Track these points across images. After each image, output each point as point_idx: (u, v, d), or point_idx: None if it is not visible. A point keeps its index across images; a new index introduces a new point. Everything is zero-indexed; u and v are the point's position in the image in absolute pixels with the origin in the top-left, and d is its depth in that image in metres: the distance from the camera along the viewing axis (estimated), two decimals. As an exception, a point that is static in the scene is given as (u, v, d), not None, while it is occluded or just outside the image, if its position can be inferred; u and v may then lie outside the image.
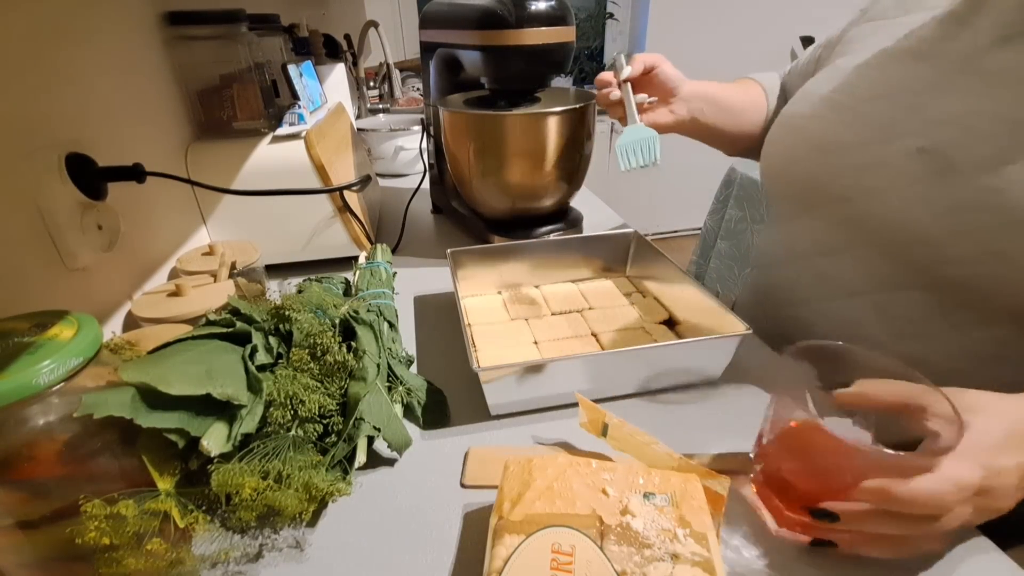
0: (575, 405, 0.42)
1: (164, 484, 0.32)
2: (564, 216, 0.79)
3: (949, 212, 0.42)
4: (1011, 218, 0.39)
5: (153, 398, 0.32)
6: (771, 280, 0.62)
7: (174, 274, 0.65)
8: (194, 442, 0.33)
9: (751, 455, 0.40)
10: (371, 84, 1.72)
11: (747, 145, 0.74)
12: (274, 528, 0.37)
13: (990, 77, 0.43)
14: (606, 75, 0.64)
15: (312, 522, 0.38)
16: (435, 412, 0.48)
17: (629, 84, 0.62)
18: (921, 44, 0.49)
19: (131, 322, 0.55)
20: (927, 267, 0.45)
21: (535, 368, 0.45)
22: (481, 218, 0.80)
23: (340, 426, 0.40)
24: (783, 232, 0.60)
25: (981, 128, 0.42)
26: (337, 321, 0.46)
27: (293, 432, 0.38)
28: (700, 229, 1.87)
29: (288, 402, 0.38)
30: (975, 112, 0.42)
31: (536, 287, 0.67)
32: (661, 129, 0.64)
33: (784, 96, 0.73)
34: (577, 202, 0.82)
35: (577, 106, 0.69)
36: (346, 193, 0.71)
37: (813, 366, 0.38)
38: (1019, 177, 0.39)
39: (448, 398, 0.49)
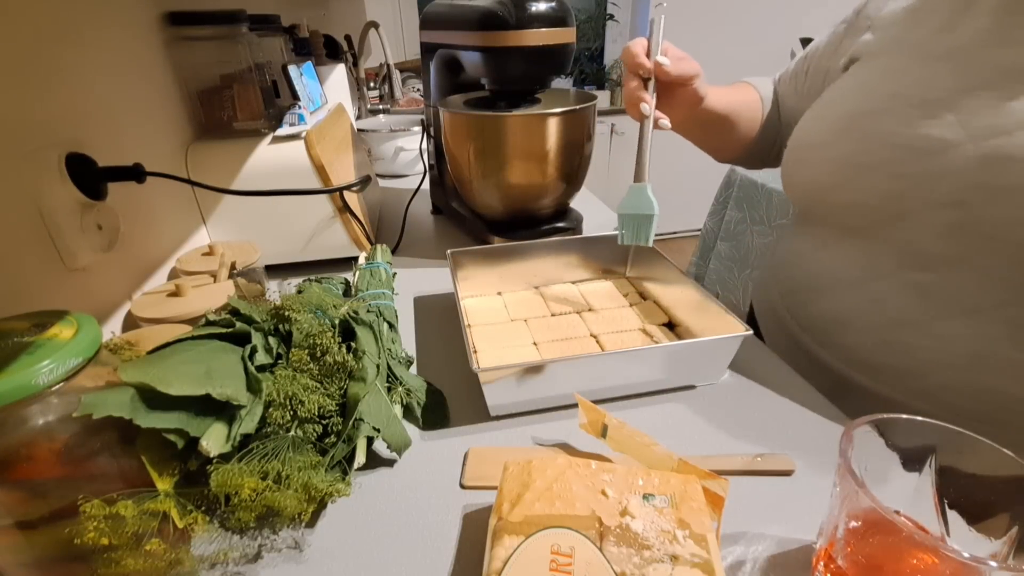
0: (575, 406, 0.42)
1: (163, 484, 0.32)
2: (564, 217, 0.79)
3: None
4: None
5: (152, 398, 0.32)
6: (817, 309, 0.57)
7: (174, 274, 0.65)
8: (193, 442, 0.33)
9: (816, 545, 0.34)
10: (371, 85, 1.72)
11: (735, 155, 0.74)
12: (273, 529, 0.37)
13: None
14: (638, 66, 0.56)
15: (311, 523, 0.38)
16: (435, 413, 0.48)
17: (651, 122, 0.55)
18: (934, 46, 0.47)
19: (131, 322, 0.55)
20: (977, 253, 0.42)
21: (535, 369, 0.45)
22: (481, 219, 0.80)
23: (339, 427, 0.40)
24: (801, 228, 0.58)
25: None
26: (337, 322, 0.46)
27: (292, 433, 0.38)
28: (700, 231, 1.87)
29: (287, 402, 0.38)
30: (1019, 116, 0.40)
31: (536, 288, 0.67)
32: (673, 103, 0.59)
33: (776, 104, 0.72)
34: (577, 203, 0.82)
35: (577, 107, 0.69)
36: (346, 193, 0.71)
37: (883, 441, 0.32)
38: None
39: (448, 399, 0.49)
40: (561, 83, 2.73)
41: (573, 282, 0.68)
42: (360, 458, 0.39)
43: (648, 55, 0.56)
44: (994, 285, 0.43)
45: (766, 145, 0.73)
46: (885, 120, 0.47)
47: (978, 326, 0.44)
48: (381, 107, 1.55)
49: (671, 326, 0.58)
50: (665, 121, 0.55)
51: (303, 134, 0.69)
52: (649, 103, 0.55)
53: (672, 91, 0.58)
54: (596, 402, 0.42)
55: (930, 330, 0.46)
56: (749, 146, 0.72)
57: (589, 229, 0.80)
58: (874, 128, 0.48)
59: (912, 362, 0.39)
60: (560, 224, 0.77)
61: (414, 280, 0.72)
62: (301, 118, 0.73)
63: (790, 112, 0.69)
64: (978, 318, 0.44)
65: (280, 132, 0.70)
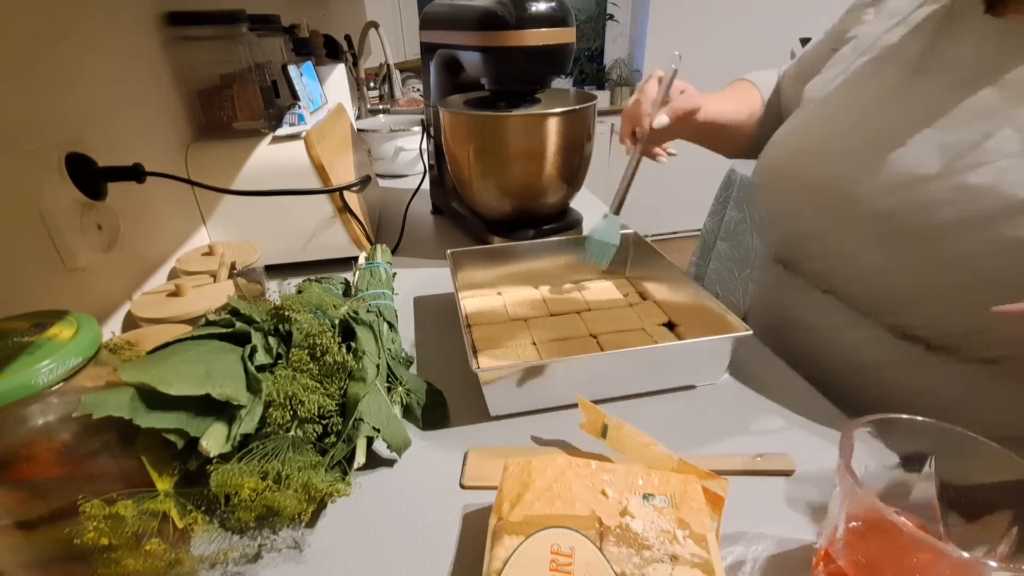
0: (575, 406, 0.42)
1: (163, 484, 0.32)
2: (564, 217, 0.79)
3: (905, 275, 0.43)
4: (963, 284, 0.40)
5: (152, 398, 0.32)
6: (774, 303, 0.61)
7: (174, 274, 0.65)
8: (193, 442, 0.33)
9: (816, 545, 0.34)
10: (371, 85, 1.72)
11: (737, 152, 0.74)
12: (273, 529, 0.37)
13: (945, 137, 0.41)
14: (649, 94, 0.59)
15: (311, 523, 0.38)
16: (434, 413, 0.48)
17: (637, 160, 0.60)
18: (876, 99, 0.48)
19: (130, 322, 0.55)
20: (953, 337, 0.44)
21: (535, 369, 0.45)
22: (481, 219, 0.80)
23: (339, 427, 0.40)
24: (776, 269, 0.60)
25: (932, 195, 0.41)
26: (337, 322, 0.46)
27: (292, 432, 0.38)
28: (700, 230, 1.87)
29: (287, 402, 0.38)
30: (928, 176, 0.41)
31: (536, 288, 0.67)
32: (660, 139, 0.62)
33: (779, 98, 0.72)
34: (577, 203, 0.82)
35: (577, 107, 0.69)
36: (346, 193, 0.71)
37: (882, 441, 0.32)
38: (971, 245, 0.39)
39: (447, 399, 0.49)
40: (561, 83, 2.73)
41: (573, 282, 0.68)
42: (360, 458, 0.39)
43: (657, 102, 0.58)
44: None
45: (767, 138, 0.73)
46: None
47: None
48: (381, 107, 1.55)
49: (671, 326, 0.58)
50: (663, 158, 0.60)
51: (303, 134, 0.69)
52: (636, 148, 0.59)
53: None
54: (596, 402, 0.42)
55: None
56: (750, 142, 0.72)
57: (589, 229, 0.80)
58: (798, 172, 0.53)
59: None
60: (560, 224, 0.77)
61: (414, 280, 0.72)
62: (301, 118, 0.73)
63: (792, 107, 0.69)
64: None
65: (280, 132, 0.70)
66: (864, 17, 0.56)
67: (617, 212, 0.61)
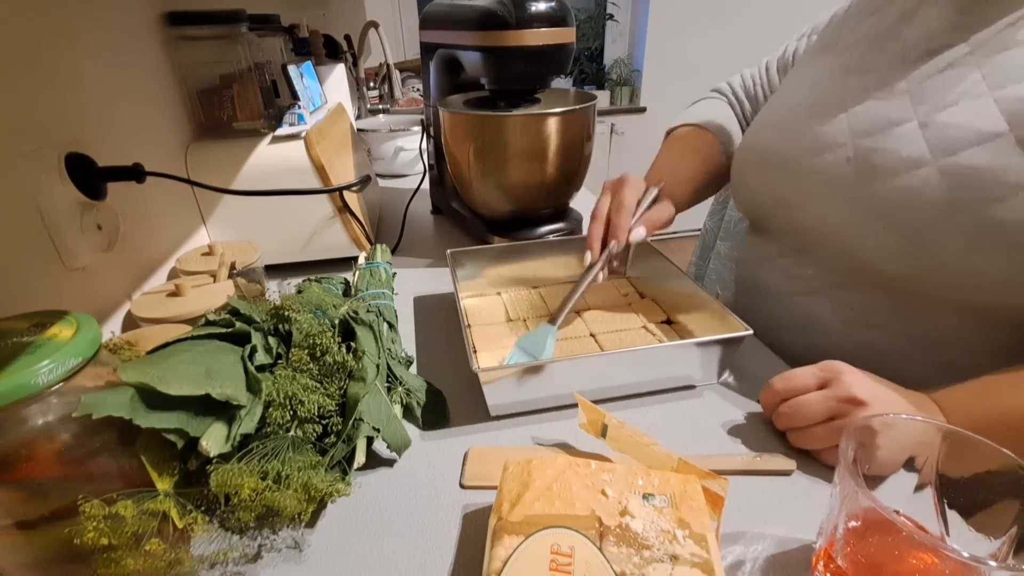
0: (575, 406, 0.42)
1: (163, 484, 0.32)
2: (564, 217, 0.79)
3: (875, 214, 0.47)
4: (926, 217, 0.44)
5: (152, 398, 0.32)
6: (749, 276, 0.65)
7: (174, 274, 0.65)
8: (193, 442, 0.33)
9: (816, 545, 0.34)
10: (371, 84, 1.72)
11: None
12: (273, 529, 0.37)
13: (913, 88, 0.47)
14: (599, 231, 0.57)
15: (311, 523, 0.38)
16: (434, 413, 0.48)
17: (599, 271, 0.55)
18: (851, 60, 0.54)
19: (130, 322, 0.55)
20: (868, 265, 0.49)
21: (535, 369, 0.45)
22: (481, 219, 0.80)
23: (339, 426, 0.40)
24: (752, 237, 0.65)
25: (900, 135, 0.46)
26: (336, 322, 0.46)
27: (292, 432, 0.38)
28: (700, 230, 1.87)
29: (287, 402, 0.38)
30: (895, 121, 0.47)
31: (536, 288, 0.67)
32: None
33: (743, 112, 0.76)
34: (577, 203, 0.82)
35: (577, 107, 0.69)
36: (346, 193, 0.71)
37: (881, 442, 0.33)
38: (932, 174, 0.44)
39: (448, 399, 0.49)
40: (561, 83, 2.73)
41: (573, 282, 0.67)
42: (360, 458, 0.39)
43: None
44: (822, 273, 0.54)
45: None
46: (761, 141, 0.60)
47: (814, 304, 0.55)
48: (381, 107, 1.55)
49: (671, 325, 0.58)
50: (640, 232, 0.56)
51: (303, 134, 0.69)
52: (601, 259, 0.56)
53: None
54: (596, 402, 0.42)
55: (787, 303, 0.58)
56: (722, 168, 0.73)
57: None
58: (753, 145, 0.61)
59: (780, 329, 0.55)
60: (560, 224, 0.77)
61: (414, 280, 0.72)
62: (301, 118, 0.73)
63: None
64: (813, 297, 0.55)
65: (280, 132, 0.70)
66: (834, 15, 0.63)
67: (554, 323, 0.54)
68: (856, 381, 0.40)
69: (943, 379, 0.43)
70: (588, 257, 0.56)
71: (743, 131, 0.74)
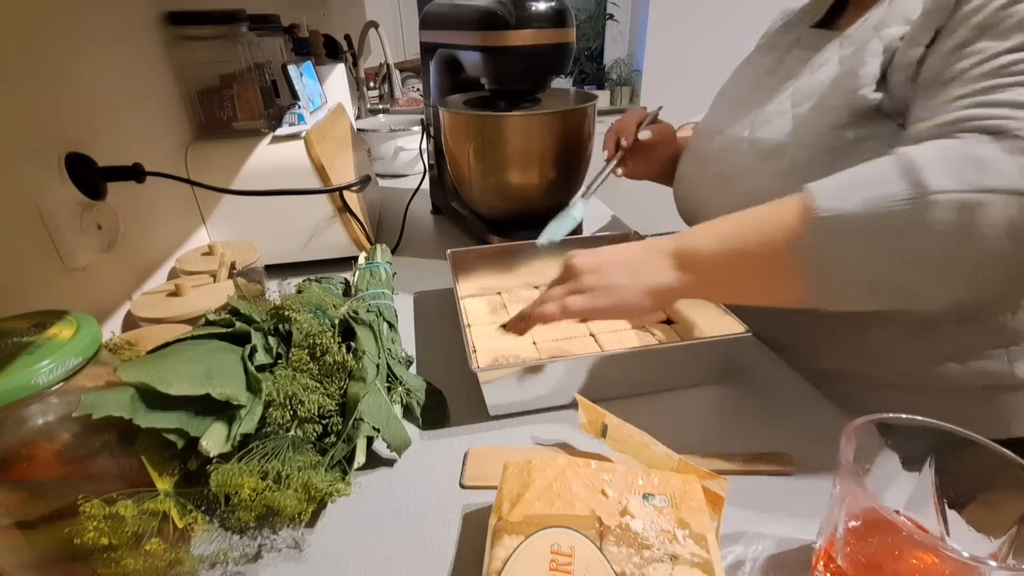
0: (574, 406, 0.42)
1: (163, 484, 0.32)
2: (564, 217, 0.79)
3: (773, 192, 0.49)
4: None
5: (152, 398, 0.32)
6: None
7: (174, 274, 0.65)
8: (193, 442, 0.33)
9: (816, 544, 0.34)
10: (371, 84, 1.72)
11: None
12: (273, 528, 0.37)
13: (753, 110, 0.56)
14: (630, 123, 0.69)
15: (311, 522, 0.38)
16: (434, 412, 0.48)
17: (617, 163, 0.67)
18: (736, 89, 0.63)
19: (130, 322, 0.55)
20: None
21: (534, 369, 0.45)
22: (481, 218, 0.80)
23: (339, 426, 0.40)
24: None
25: (741, 148, 0.55)
26: (336, 321, 0.46)
27: (292, 432, 0.38)
28: (700, 230, 1.87)
29: (287, 402, 0.38)
30: (740, 139, 0.55)
31: (536, 288, 0.67)
32: (640, 171, 0.72)
33: None
34: (577, 203, 0.82)
35: (577, 107, 0.69)
36: (346, 193, 0.71)
37: (882, 441, 0.32)
38: (757, 178, 0.52)
39: (447, 398, 0.49)
40: (561, 83, 2.73)
41: (573, 282, 0.67)
42: (360, 458, 0.39)
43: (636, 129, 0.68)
44: None
45: None
46: (700, 124, 0.67)
47: None
48: (381, 107, 1.55)
49: (670, 324, 0.58)
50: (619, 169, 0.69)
51: (303, 134, 0.69)
52: (629, 135, 0.68)
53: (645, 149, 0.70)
54: (596, 401, 0.42)
55: None
56: None
57: (589, 229, 0.80)
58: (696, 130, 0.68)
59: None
60: (560, 224, 0.77)
61: (414, 280, 0.72)
62: (301, 118, 0.73)
63: None
64: None
65: (280, 132, 0.70)
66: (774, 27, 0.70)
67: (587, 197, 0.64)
68: (575, 256, 0.46)
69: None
70: (605, 155, 0.69)
71: None
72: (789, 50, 0.58)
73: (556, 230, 0.60)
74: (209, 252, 0.64)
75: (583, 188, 0.65)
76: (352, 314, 0.48)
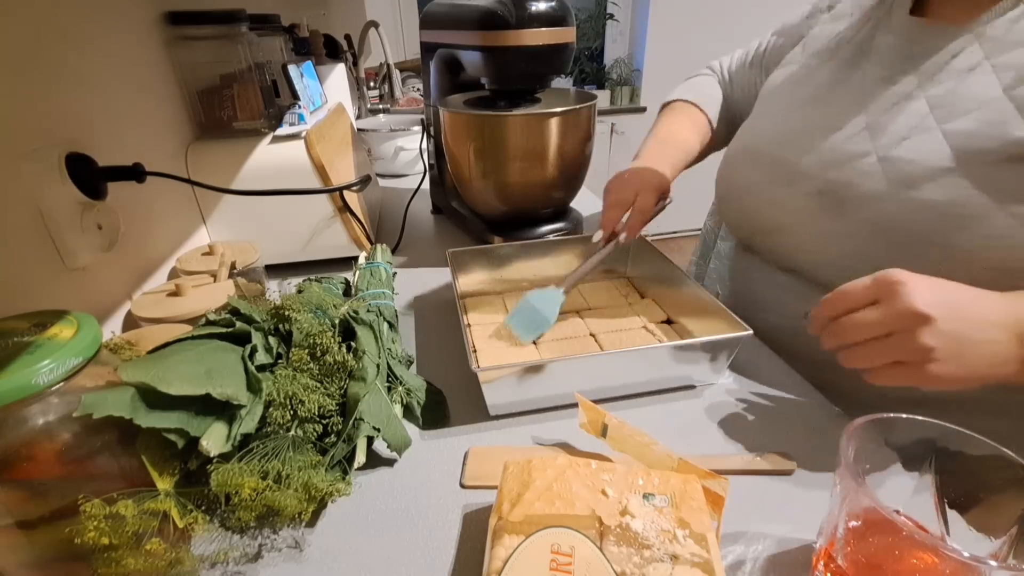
0: (575, 406, 0.42)
1: (163, 484, 0.32)
2: (564, 217, 0.79)
3: (846, 245, 0.49)
4: (894, 250, 0.45)
5: (152, 398, 0.32)
6: (742, 290, 0.65)
7: (174, 274, 0.65)
8: (193, 442, 0.33)
9: (816, 544, 0.34)
10: (371, 84, 1.72)
11: (708, 153, 0.79)
12: (273, 528, 0.37)
13: (871, 121, 0.49)
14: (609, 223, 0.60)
15: (311, 522, 0.38)
16: (434, 412, 0.48)
17: (607, 254, 0.59)
18: (818, 90, 0.55)
19: (131, 322, 0.55)
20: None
21: (534, 369, 0.45)
22: (481, 218, 0.80)
23: (339, 426, 0.40)
24: (741, 254, 0.65)
25: (863, 169, 0.47)
26: (337, 321, 0.46)
27: (292, 432, 0.38)
28: (700, 230, 1.87)
29: (288, 402, 0.38)
30: (857, 155, 0.48)
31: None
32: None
33: (730, 89, 0.78)
34: (577, 203, 0.82)
35: (577, 107, 0.69)
36: (346, 193, 0.71)
37: (882, 441, 0.32)
38: (895, 209, 0.45)
39: (448, 398, 0.49)
40: (561, 82, 2.73)
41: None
42: (360, 458, 0.40)
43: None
44: (800, 293, 0.54)
45: (725, 136, 0.77)
46: (736, 167, 0.62)
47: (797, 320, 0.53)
48: (381, 107, 1.55)
49: (671, 325, 0.58)
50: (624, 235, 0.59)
51: (303, 134, 0.69)
52: (610, 246, 0.59)
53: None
54: (596, 402, 0.42)
55: (779, 315, 0.57)
56: (714, 147, 0.79)
57: (589, 229, 0.80)
58: (731, 173, 0.63)
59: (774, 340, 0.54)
60: (560, 224, 0.77)
61: (414, 279, 0.72)
62: (301, 118, 0.73)
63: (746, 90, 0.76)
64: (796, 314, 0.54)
65: (280, 132, 0.70)
66: (818, 21, 0.63)
67: (566, 291, 0.57)
68: (916, 291, 0.35)
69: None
70: (598, 235, 0.60)
71: (726, 107, 0.77)
72: (881, 45, 0.51)
73: (528, 326, 0.55)
74: (209, 252, 0.64)
75: (568, 282, 0.58)
76: (352, 314, 0.48)
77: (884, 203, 0.45)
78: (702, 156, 0.77)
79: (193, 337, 0.40)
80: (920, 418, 0.32)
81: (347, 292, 0.62)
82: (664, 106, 0.79)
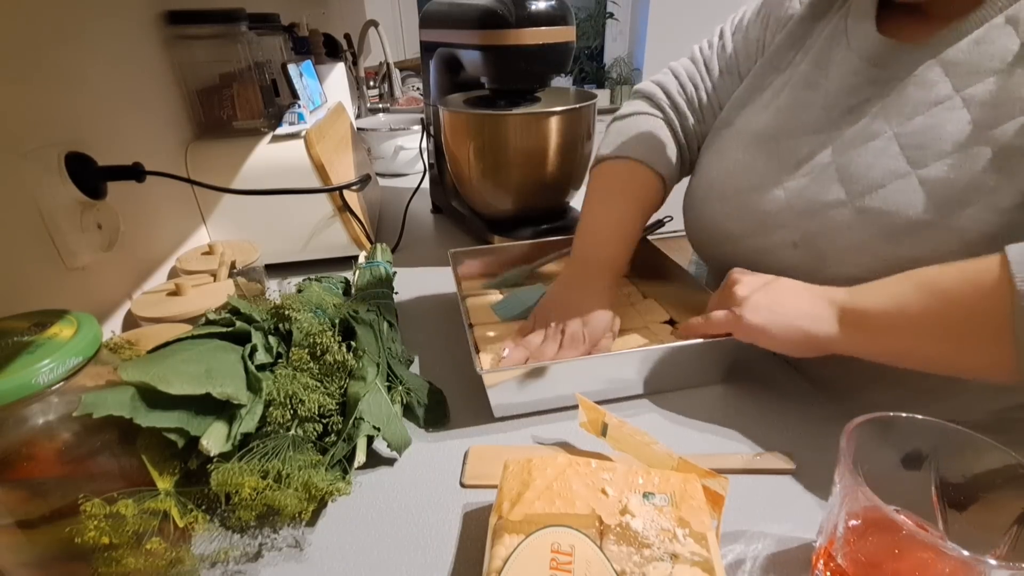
0: (575, 406, 0.42)
1: (163, 483, 0.32)
2: (564, 215, 0.79)
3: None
4: None
5: (152, 397, 0.32)
6: None
7: (174, 273, 0.65)
8: (193, 441, 0.33)
9: (816, 543, 0.34)
10: (371, 84, 1.72)
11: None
12: (273, 528, 0.37)
13: (840, 161, 0.45)
14: None
15: (311, 522, 0.38)
16: (435, 412, 0.48)
17: None
18: (777, 120, 0.51)
19: (131, 321, 0.55)
20: None
21: (537, 370, 0.45)
22: (481, 218, 0.80)
23: (340, 426, 0.40)
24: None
25: (839, 220, 0.45)
26: (337, 321, 0.46)
27: (293, 431, 0.38)
28: (700, 229, 1.87)
29: (288, 401, 0.38)
30: (831, 204, 0.45)
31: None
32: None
33: (681, 125, 0.68)
34: (577, 202, 0.82)
35: (577, 106, 0.69)
36: (346, 193, 0.71)
37: (882, 440, 0.32)
38: (874, 262, 0.43)
39: (448, 398, 0.49)
40: (561, 82, 2.73)
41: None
42: (360, 457, 0.40)
43: None
44: None
45: (679, 175, 0.67)
46: (707, 210, 0.57)
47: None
48: (381, 106, 1.55)
49: (672, 325, 0.58)
50: None
51: (303, 133, 0.69)
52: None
53: None
54: (597, 402, 0.42)
55: None
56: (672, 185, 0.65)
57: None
58: (701, 215, 0.58)
59: None
60: (560, 223, 0.77)
61: (414, 279, 0.72)
62: (301, 117, 0.73)
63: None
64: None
65: (280, 131, 0.70)
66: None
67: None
68: (742, 270, 0.45)
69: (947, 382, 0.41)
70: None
71: (680, 149, 0.65)
72: (841, 63, 0.47)
73: (509, 309, 0.59)
74: (209, 251, 0.64)
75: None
76: (352, 313, 0.48)
77: (864, 257, 0.44)
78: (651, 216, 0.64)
79: (193, 337, 0.40)
80: (920, 417, 0.32)
81: (347, 291, 0.62)
82: (595, 163, 0.65)
